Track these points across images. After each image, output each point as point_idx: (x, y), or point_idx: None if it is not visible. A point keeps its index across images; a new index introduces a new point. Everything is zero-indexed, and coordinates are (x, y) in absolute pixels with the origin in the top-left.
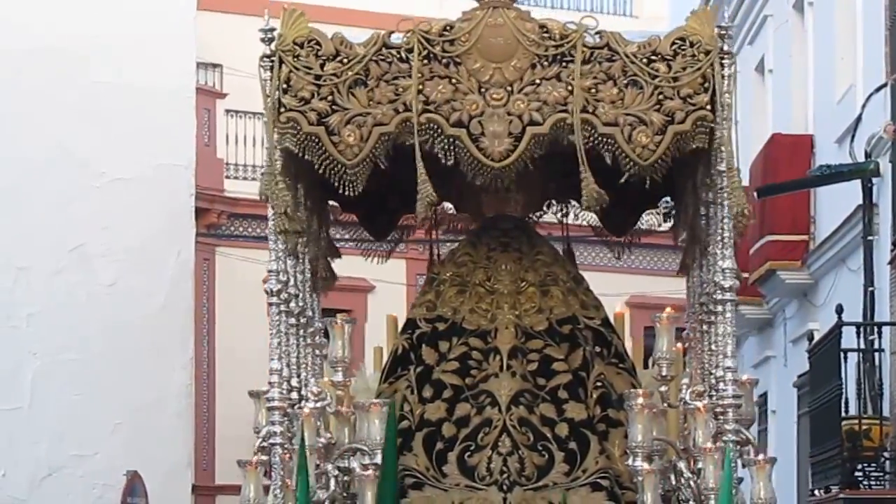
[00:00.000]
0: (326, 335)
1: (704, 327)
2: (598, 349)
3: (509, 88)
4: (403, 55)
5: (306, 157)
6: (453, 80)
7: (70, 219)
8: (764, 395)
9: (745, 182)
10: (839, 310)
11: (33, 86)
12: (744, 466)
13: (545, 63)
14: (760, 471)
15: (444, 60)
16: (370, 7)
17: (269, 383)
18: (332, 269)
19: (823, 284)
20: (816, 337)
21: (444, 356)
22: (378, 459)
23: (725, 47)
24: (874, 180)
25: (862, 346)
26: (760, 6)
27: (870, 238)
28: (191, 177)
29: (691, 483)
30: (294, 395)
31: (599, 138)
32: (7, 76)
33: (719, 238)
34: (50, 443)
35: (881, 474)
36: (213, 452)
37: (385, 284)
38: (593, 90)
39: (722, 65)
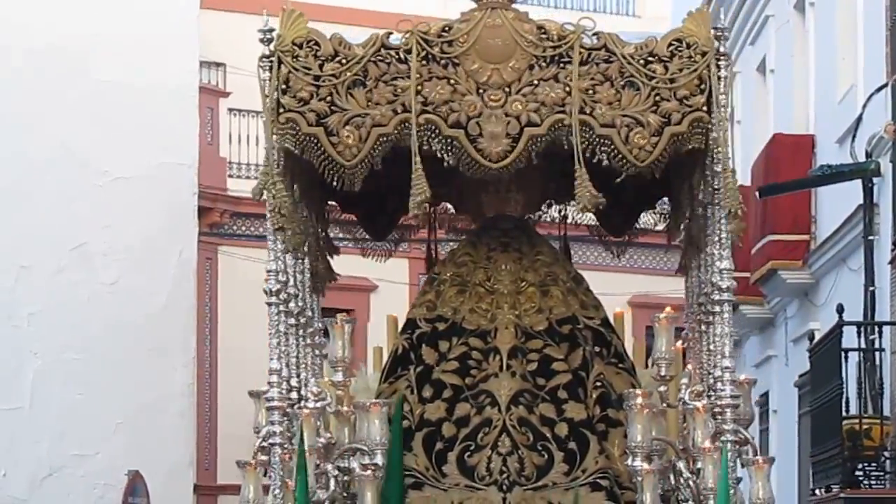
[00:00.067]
0: (326, 335)
1: (703, 327)
2: (597, 349)
3: (507, 89)
4: (402, 56)
5: (305, 157)
6: (451, 81)
7: (72, 217)
8: (765, 395)
9: (747, 182)
10: (840, 309)
11: (35, 84)
12: (743, 466)
13: (543, 64)
14: (759, 471)
15: (443, 61)
16: (374, 6)
17: (269, 383)
18: (331, 268)
19: (824, 284)
20: (817, 336)
21: (443, 356)
22: (378, 459)
23: (722, 49)
24: (875, 180)
25: (862, 345)
26: (762, 6)
27: (870, 238)
28: (193, 175)
29: (690, 483)
30: (293, 394)
31: (597, 139)
32: (9, 75)
33: (717, 239)
34: (51, 442)
35: (882, 474)
36: (215, 452)
37: (387, 284)
38: (591, 91)
39: (718, 66)
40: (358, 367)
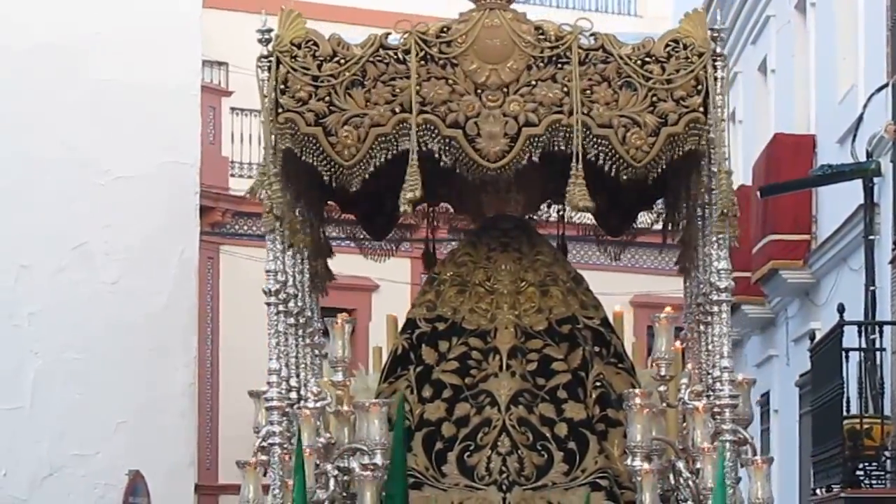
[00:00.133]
0: (326, 334)
1: (701, 328)
2: (597, 349)
3: (505, 90)
4: (401, 56)
5: (304, 157)
6: (450, 82)
7: (73, 217)
8: (766, 395)
9: (749, 181)
10: (841, 309)
11: (37, 83)
12: (742, 466)
13: (541, 64)
14: (758, 470)
15: (441, 62)
16: (374, 6)
17: (268, 383)
18: (328, 268)
19: (825, 284)
20: (818, 336)
21: (443, 356)
22: (377, 459)
23: (718, 49)
24: (875, 180)
25: (863, 345)
26: (763, 7)
27: (871, 237)
28: (195, 175)
29: (690, 483)
30: (293, 394)
31: (594, 139)
32: (10, 74)
33: (714, 239)
34: (51, 442)
35: (882, 473)
36: (216, 452)
37: (389, 283)
38: (588, 91)
39: (715, 67)
40: (357, 367)
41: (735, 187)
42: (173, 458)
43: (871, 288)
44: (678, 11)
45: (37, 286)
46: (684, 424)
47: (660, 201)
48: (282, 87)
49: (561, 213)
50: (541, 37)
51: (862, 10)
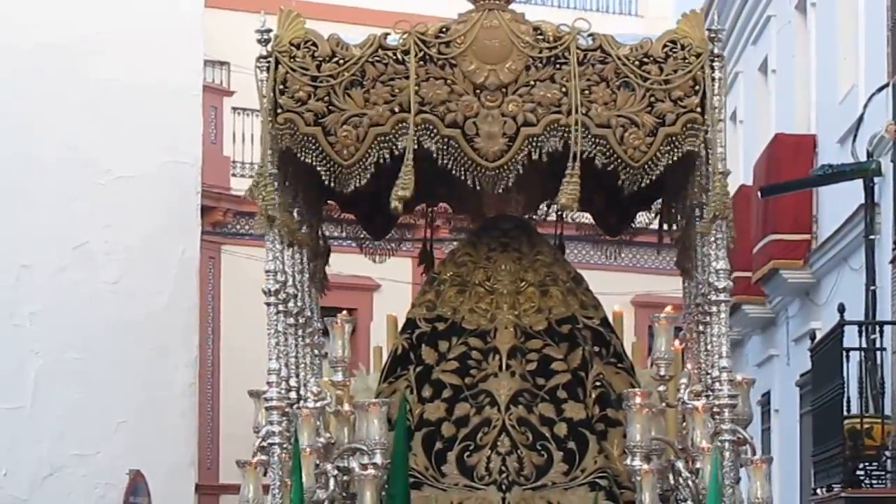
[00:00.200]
0: (326, 334)
1: (701, 328)
2: (596, 349)
3: (504, 90)
4: (400, 56)
5: (303, 157)
6: (449, 82)
7: (74, 216)
8: (767, 394)
9: (749, 181)
10: (841, 309)
11: (38, 83)
12: (741, 466)
13: (539, 65)
14: (757, 470)
15: (440, 62)
16: (374, 6)
17: (268, 383)
18: (325, 272)
19: (826, 283)
20: (818, 336)
21: (443, 356)
22: (377, 459)
23: (716, 50)
24: (876, 180)
25: (864, 344)
26: (763, 7)
27: (871, 237)
28: (197, 174)
29: (689, 482)
30: (293, 394)
31: (592, 140)
32: (11, 74)
33: (713, 239)
34: (52, 442)
35: (883, 473)
36: (216, 451)
37: (391, 283)
38: (586, 92)
39: (712, 67)
40: (358, 367)
41: (736, 187)
42: (174, 458)
43: (872, 288)
44: (679, 12)
45: (37, 286)
46: (684, 424)
47: (658, 201)
48: (281, 87)
49: (559, 212)
50: (539, 37)
51: (862, 10)
